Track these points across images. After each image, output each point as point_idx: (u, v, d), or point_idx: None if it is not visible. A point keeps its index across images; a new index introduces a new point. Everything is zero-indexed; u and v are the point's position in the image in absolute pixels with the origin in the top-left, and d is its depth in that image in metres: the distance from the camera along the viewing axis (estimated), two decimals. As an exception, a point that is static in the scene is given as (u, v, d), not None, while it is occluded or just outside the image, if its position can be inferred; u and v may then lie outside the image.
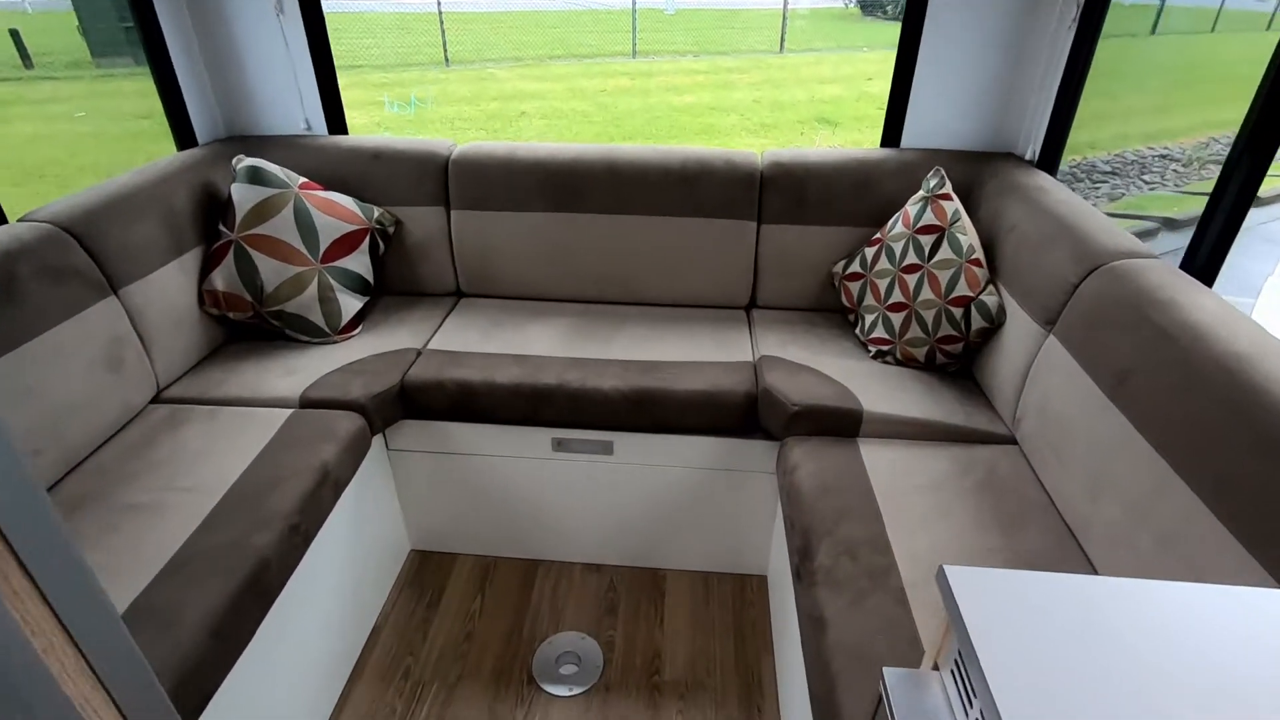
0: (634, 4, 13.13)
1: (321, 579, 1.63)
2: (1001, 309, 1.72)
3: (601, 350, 1.95)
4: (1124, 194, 5.76)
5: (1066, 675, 0.58)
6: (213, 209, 2.01)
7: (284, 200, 1.97)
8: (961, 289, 1.75)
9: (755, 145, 7.22)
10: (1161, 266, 1.39)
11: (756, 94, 9.59)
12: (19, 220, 1.61)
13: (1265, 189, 1.97)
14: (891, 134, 2.18)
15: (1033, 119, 2.02)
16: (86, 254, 1.61)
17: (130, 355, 1.68)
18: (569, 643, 1.87)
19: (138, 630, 1.15)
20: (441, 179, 2.17)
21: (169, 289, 1.82)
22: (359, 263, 2.09)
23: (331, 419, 1.67)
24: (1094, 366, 1.35)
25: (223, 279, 1.92)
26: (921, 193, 1.87)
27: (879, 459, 1.59)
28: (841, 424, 1.68)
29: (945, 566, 0.66)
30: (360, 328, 2.07)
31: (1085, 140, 5.98)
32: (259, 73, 2.22)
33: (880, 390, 1.75)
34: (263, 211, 1.94)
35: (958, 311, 1.76)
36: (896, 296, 1.86)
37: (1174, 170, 6.16)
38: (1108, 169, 6.14)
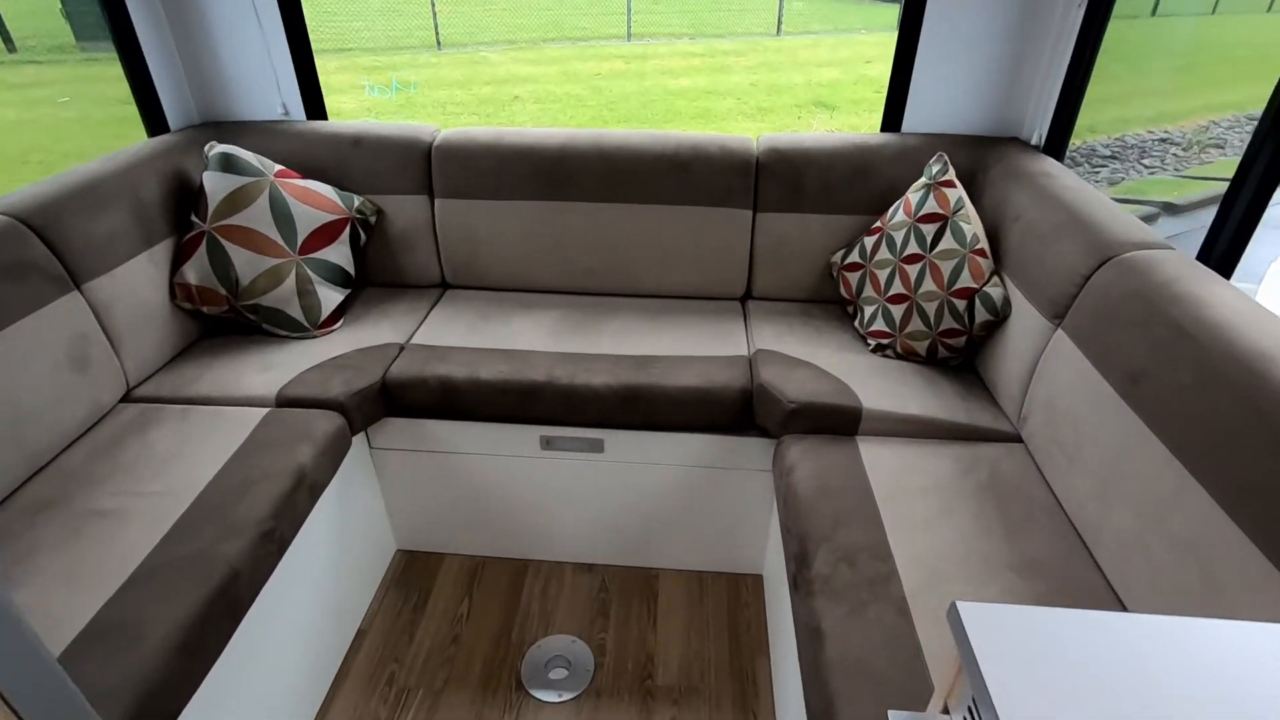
0: (628, -14, 12.90)
1: (300, 585, 1.57)
2: (1007, 301, 1.65)
3: (591, 344, 1.88)
4: (1124, 178, 5.70)
5: None
6: (184, 198, 1.93)
7: (259, 189, 1.89)
8: (965, 280, 1.68)
9: (751, 129, 7.10)
10: (1177, 258, 1.32)
11: (753, 77, 9.45)
12: None
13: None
14: (892, 118, 2.10)
15: (1039, 102, 1.94)
16: (45, 247, 1.53)
17: (97, 353, 1.61)
18: (559, 646, 1.81)
19: (99, 647, 1.09)
20: (425, 166, 2.08)
21: (138, 283, 1.74)
22: (339, 254, 2.01)
23: (309, 419, 1.61)
24: (1105, 363, 1.29)
25: (195, 272, 1.84)
26: (923, 179, 1.80)
27: (879, 458, 1.53)
28: (840, 421, 1.62)
29: (958, 603, 0.60)
30: (341, 322, 2.00)
31: (1085, 124, 5.90)
32: (233, 55, 2.12)
33: (880, 386, 1.69)
34: (236, 201, 1.86)
35: (961, 304, 1.69)
36: (897, 288, 1.80)
37: (1174, 154, 6.09)
38: (1107, 153, 6.07)
